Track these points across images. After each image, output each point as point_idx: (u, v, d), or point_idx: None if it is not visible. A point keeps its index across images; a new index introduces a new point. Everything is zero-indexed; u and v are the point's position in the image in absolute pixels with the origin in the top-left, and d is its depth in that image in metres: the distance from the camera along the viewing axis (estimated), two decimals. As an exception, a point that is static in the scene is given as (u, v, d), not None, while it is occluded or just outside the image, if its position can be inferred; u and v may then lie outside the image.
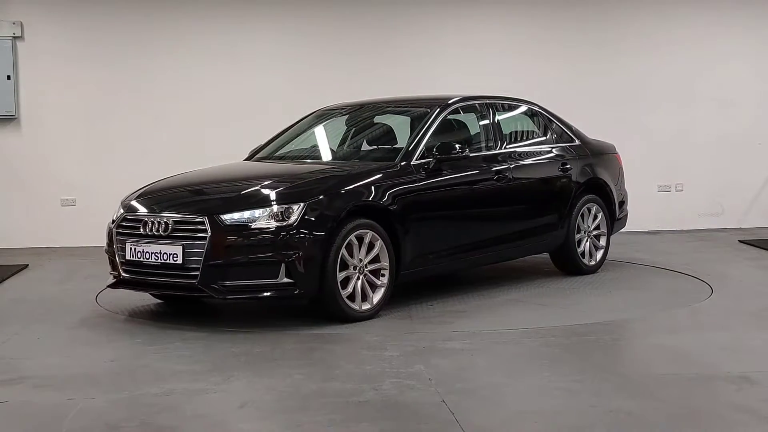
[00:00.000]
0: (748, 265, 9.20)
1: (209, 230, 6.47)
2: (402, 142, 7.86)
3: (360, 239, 6.76)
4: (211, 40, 11.39)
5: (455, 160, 7.54)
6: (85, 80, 11.28)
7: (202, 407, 4.88)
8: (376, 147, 8.09)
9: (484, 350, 5.96)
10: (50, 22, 11.27)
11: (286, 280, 6.47)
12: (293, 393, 5.09)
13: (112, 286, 7.10)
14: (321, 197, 6.68)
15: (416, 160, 7.36)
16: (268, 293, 6.52)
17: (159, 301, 7.62)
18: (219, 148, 10.99)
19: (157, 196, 7.21)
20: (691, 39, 11.90)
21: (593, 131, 11.51)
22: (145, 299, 7.59)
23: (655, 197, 11.91)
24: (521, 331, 6.46)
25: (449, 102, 8.03)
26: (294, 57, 11.49)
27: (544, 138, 8.78)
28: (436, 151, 7.42)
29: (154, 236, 6.68)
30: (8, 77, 11.06)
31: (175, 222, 6.65)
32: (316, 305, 6.76)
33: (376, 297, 6.89)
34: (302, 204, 6.57)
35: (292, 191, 6.80)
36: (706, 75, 11.90)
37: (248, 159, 8.34)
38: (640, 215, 11.71)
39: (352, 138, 8.37)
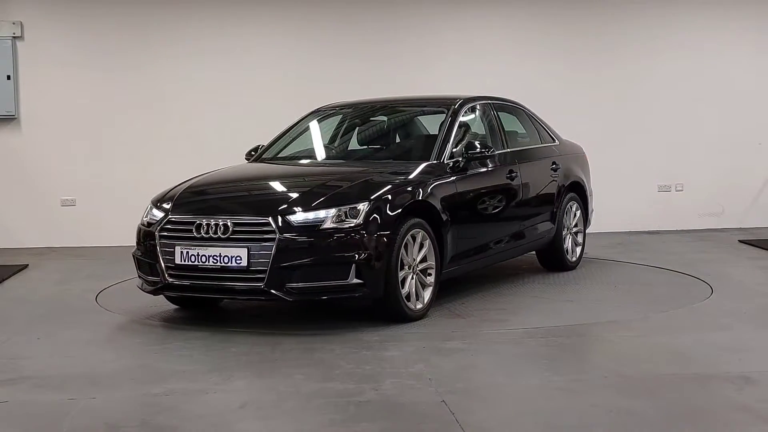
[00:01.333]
0: (748, 265, 9.20)
1: (277, 232, 6.32)
2: (422, 140, 7.86)
3: (413, 238, 6.73)
4: (211, 40, 11.38)
5: (481, 159, 7.60)
6: (85, 80, 11.28)
7: (202, 407, 4.88)
8: (401, 146, 8.06)
9: (484, 350, 5.96)
10: (50, 22, 11.27)
11: (356, 280, 6.38)
12: (293, 393, 5.09)
13: (154, 292, 6.81)
14: (382, 196, 6.61)
15: (447, 159, 7.39)
16: (337, 294, 6.42)
17: (159, 301, 7.58)
18: (219, 148, 11.02)
19: (204, 198, 7.04)
20: (692, 39, 11.89)
21: (593, 131, 11.57)
22: (145, 300, 7.57)
23: (655, 197, 11.90)
24: (521, 331, 6.46)
25: (464, 101, 8.05)
26: (294, 57, 11.48)
27: (530, 138, 8.88)
28: (465, 150, 7.45)
29: (211, 239, 6.42)
30: (8, 77, 11.06)
31: (236, 224, 6.43)
32: (378, 306, 6.65)
33: (426, 296, 6.87)
34: (367, 203, 6.49)
35: (354, 191, 6.70)
36: (706, 75, 11.89)
37: (257, 159, 8.14)
38: (640, 215, 11.74)
39: (372, 137, 8.30)
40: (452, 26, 11.58)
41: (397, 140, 8.22)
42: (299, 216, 6.41)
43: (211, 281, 6.46)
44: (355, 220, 6.41)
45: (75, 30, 11.30)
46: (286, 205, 6.52)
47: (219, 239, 6.41)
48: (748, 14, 11.95)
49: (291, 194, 6.86)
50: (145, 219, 7.00)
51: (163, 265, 6.60)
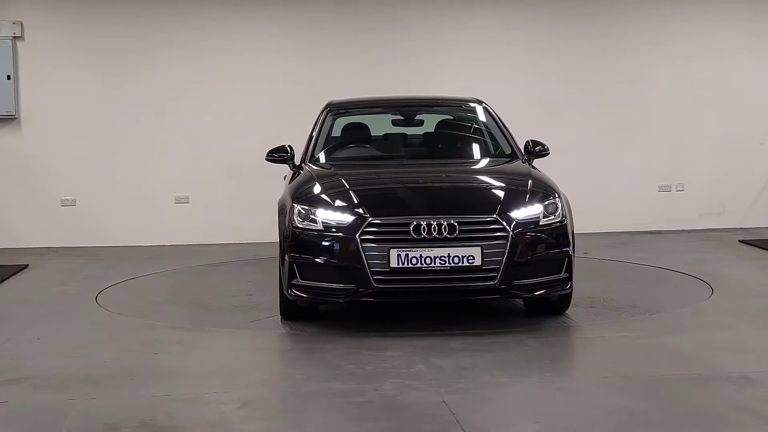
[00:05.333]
0: (749, 265, 9.18)
1: (510, 229, 6.28)
2: (494, 138, 7.87)
3: None
4: (212, 41, 11.34)
5: (542, 155, 7.64)
6: (86, 80, 11.25)
7: (202, 407, 4.88)
8: (478, 143, 8.06)
9: (484, 350, 5.96)
10: (50, 22, 11.24)
11: (565, 274, 6.46)
12: (294, 393, 5.09)
13: (351, 301, 6.39)
14: (560, 192, 6.73)
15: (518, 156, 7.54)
16: (552, 289, 6.47)
17: (157, 300, 7.56)
18: (219, 148, 11.02)
19: (399, 198, 6.84)
20: (692, 39, 11.86)
21: (594, 131, 11.55)
22: (145, 300, 7.55)
23: (655, 197, 11.89)
24: (521, 330, 6.46)
25: (479, 100, 8.16)
26: (294, 59, 11.45)
27: None
28: (531, 147, 7.54)
29: (435, 239, 6.19)
30: (8, 77, 11.04)
31: (461, 223, 6.25)
32: (560, 299, 6.69)
33: None
34: (559, 199, 6.61)
35: (541, 187, 6.74)
36: (706, 75, 11.87)
37: (311, 160, 7.53)
38: (640, 215, 11.72)
39: (435, 136, 8.22)
40: (452, 27, 11.57)
41: (464, 138, 8.19)
42: (518, 213, 6.40)
43: (437, 283, 6.29)
44: (556, 216, 6.50)
45: (75, 30, 11.28)
46: (504, 203, 6.48)
47: (445, 239, 6.22)
48: (748, 14, 11.93)
49: (494, 192, 6.79)
50: (309, 221, 6.48)
51: (369, 270, 6.26)
